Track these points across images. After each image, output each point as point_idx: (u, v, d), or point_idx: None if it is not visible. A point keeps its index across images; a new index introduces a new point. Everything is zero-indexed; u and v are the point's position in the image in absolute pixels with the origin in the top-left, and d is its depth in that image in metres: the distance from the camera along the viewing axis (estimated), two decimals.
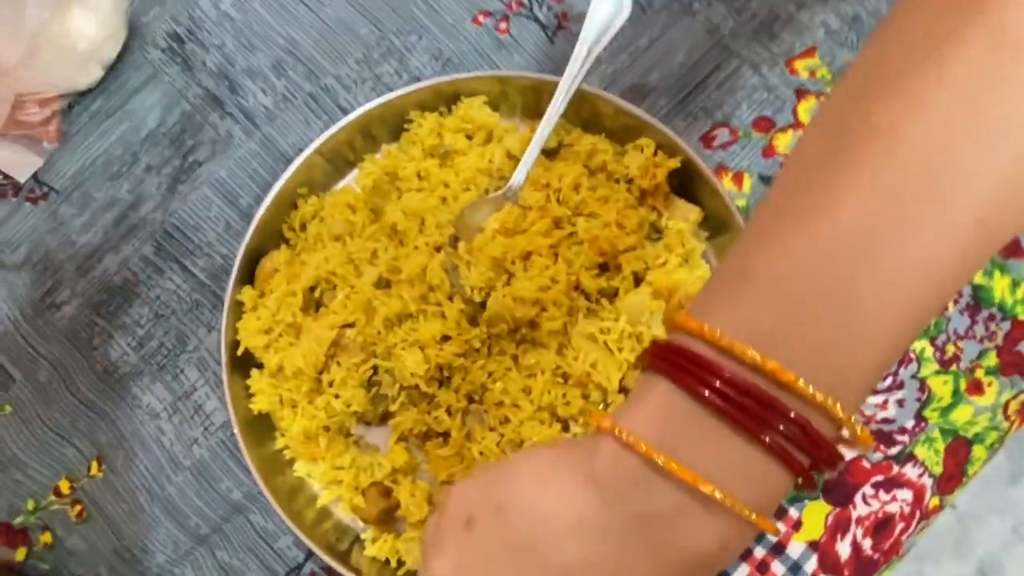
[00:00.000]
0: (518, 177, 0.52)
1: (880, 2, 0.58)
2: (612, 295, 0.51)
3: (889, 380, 0.53)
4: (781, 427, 0.27)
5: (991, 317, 0.54)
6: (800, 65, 0.57)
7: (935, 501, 0.52)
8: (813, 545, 0.51)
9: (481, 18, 0.59)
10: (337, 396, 0.50)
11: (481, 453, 0.49)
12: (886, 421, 0.53)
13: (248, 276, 0.52)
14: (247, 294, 0.52)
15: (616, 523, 0.28)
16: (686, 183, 0.53)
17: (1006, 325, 0.54)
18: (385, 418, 0.51)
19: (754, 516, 0.28)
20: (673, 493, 0.28)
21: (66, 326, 0.55)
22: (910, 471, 0.52)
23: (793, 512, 0.52)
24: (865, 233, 0.26)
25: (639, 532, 0.28)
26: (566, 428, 0.50)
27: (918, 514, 0.52)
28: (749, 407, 0.27)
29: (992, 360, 0.54)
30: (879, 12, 0.58)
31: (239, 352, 0.51)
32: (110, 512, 0.53)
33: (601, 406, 0.50)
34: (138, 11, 0.59)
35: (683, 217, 0.53)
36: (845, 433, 0.28)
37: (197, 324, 0.55)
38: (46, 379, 0.55)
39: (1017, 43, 0.26)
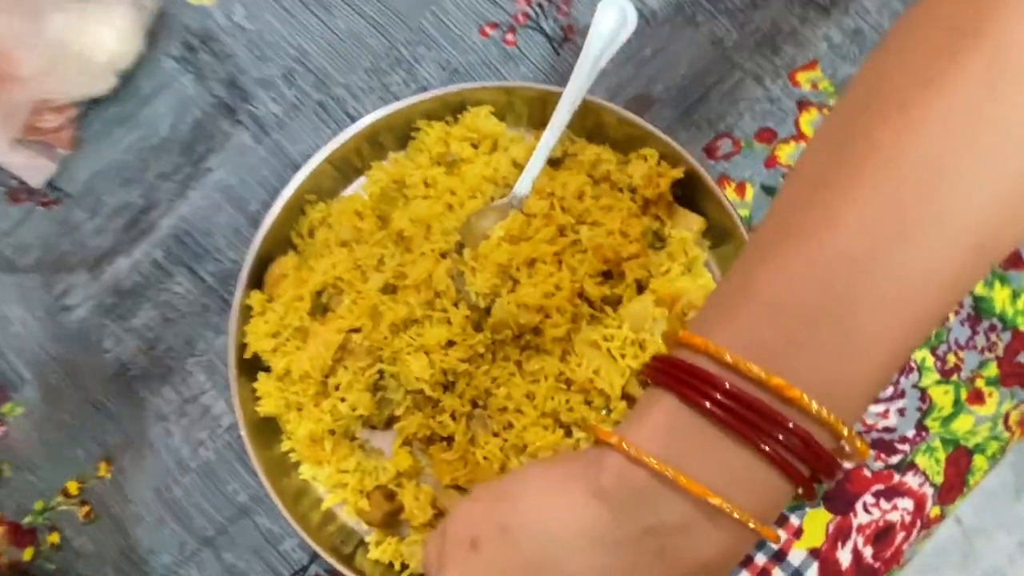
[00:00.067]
0: (523, 185, 0.52)
1: (882, 16, 0.58)
2: (615, 303, 0.51)
3: (890, 389, 0.54)
4: (781, 438, 0.27)
5: (992, 328, 0.54)
6: (802, 77, 0.58)
7: (936, 510, 0.53)
8: (814, 553, 0.51)
9: (488, 30, 0.59)
10: (343, 400, 0.50)
11: (485, 458, 0.50)
12: (887, 430, 0.53)
13: (256, 281, 0.53)
14: (255, 298, 0.52)
15: (625, 537, 0.29)
16: (689, 193, 0.53)
17: (1007, 336, 0.54)
18: (390, 422, 0.52)
19: (757, 525, 0.28)
20: (681, 505, 0.28)
21: (77, 328, 0.56)
22: (911, 480, 0.52)
23: (794, 520, 0.52)
24: (866, 250, 0.27)
25: (648, 544, 0.29)
26: (569, 434, 0.50)
27: (919, 523, 0.52)
28: (751, 418, 0.27)
29: (993, 370, 0.54)
30: (881, 26, 0.58)
31: (247, 356, 0.52)
32: (117, 513, 0.54)
33: (604, 412, 0.50)
34: (154, 21, 0.60)
35: (686, 226, 0.53)
36: (844, 445, 0.29)
37: (205, 328, 0.56)
38: (56, 381, 0.55)
39: (1015, 63, 0.26)
